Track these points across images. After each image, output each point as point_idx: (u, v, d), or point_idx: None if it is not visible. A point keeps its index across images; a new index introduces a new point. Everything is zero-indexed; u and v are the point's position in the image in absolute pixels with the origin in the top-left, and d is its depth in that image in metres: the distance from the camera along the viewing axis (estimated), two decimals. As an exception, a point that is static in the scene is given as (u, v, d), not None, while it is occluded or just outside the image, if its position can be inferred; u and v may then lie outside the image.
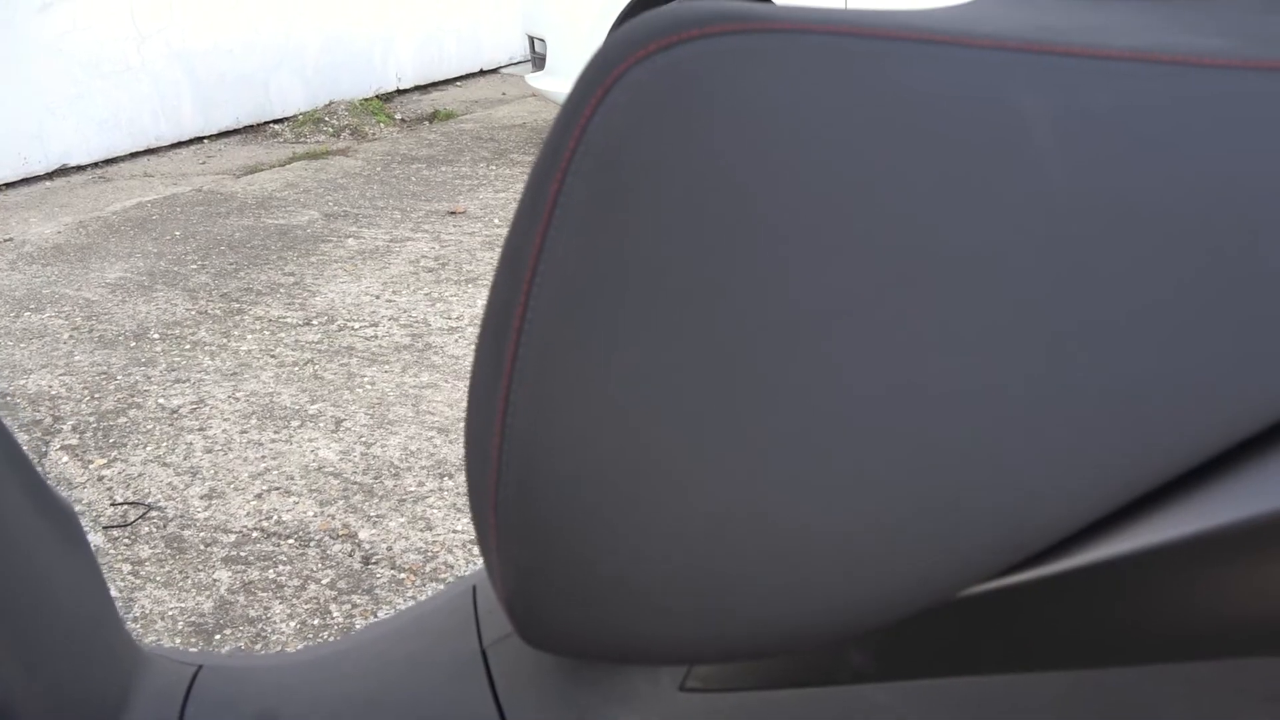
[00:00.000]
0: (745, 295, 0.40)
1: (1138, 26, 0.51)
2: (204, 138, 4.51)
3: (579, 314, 0.42)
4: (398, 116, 4.83)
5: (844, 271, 0.39)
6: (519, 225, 0.44)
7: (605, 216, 0.41)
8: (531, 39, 3.82)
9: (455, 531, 1.65)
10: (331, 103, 4.86)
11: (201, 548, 1.62)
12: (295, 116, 4.74)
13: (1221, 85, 0.43)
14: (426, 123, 4.77)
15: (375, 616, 1.45)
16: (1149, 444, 0.41)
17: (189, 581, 1.54)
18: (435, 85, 5.70)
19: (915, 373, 0.40)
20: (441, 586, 1.46)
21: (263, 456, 1.89)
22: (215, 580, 1.55)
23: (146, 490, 1.79)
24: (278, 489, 1.79)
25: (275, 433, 1.98)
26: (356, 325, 2.47)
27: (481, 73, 6.04)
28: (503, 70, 6.13)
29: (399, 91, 5.45)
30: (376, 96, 5.22)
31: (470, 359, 2.29)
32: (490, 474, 0.44)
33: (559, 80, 3.70)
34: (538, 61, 3.82)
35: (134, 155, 4.24)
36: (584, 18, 3.56)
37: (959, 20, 0.48)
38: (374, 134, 4.54)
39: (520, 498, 0.44)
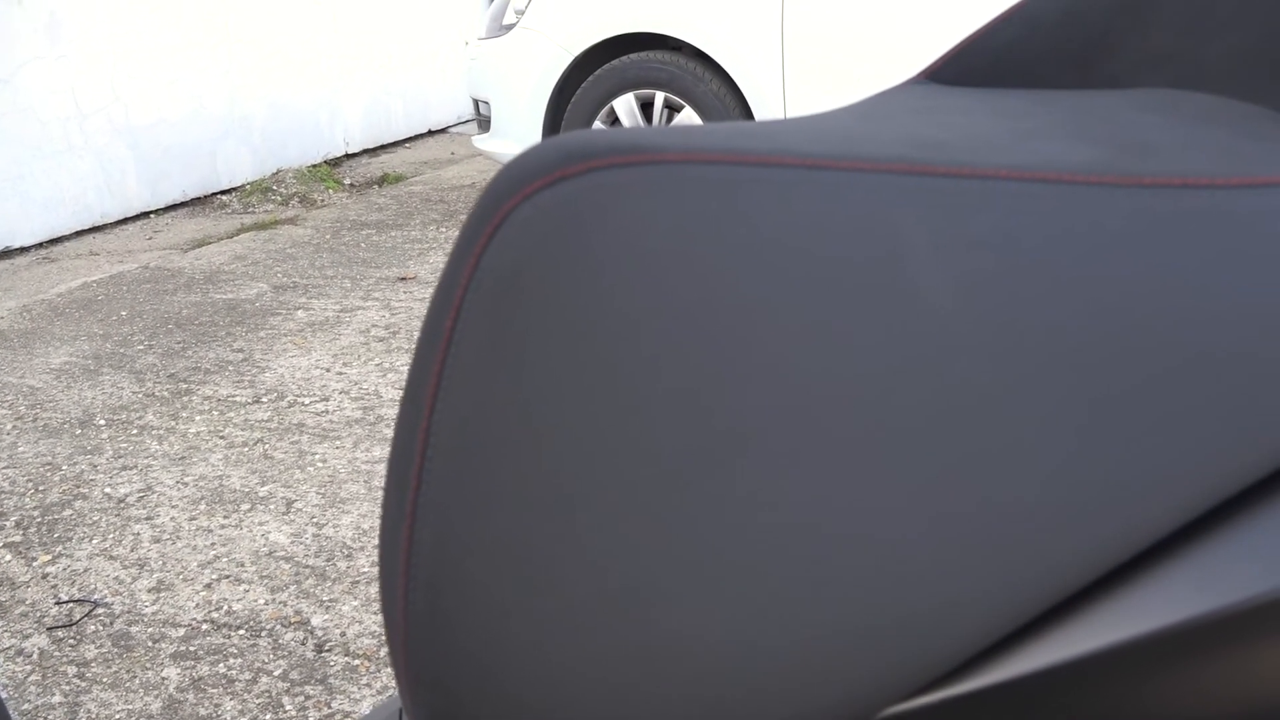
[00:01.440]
0: (641, 422, 0.40)
1: (1025, 131, 0.52)
2: (150, 212, 4.49)
3: (477, 451, 0.42)
4: (347, 181, 4.84)
5: (737, 397, 0.40)
6: (419, 358, 0.44)
7: (500, 351, 0.42)
8: (476, 101, 3.85)
9: (409, 613, 1.63)
10: (279, 171, 4.86)
11: (149, 644, 1.59)
12: (243, 186, 4.73)
13: (1096, 202, 0.44)
14: (376, 186, 4.78)
15: (329, 708, 1.43)
16: (1053, 555, 0.42)
17: (136, 681, 1.51)
18: (384, 147, 5.71)
19: (814, 492, 0.40)
20: (380, 699, 1.44)
21: (212, 544, 1.87)
22: (164, 679, 1.51)
23: (92, 586, 1.76)
24: (228, 577, 1.76)
25: (225, 518, 1.95)
26: (307, 400, 2.46)
27: (430, 133, 6.07)
28: (451, 130, 6.16)
29: (348, 156, 5.45)
30: (325, 162, 5.23)
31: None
32: (399, 610, 0.44)
33: (505, 142, 3.72)
34: (483, 123, 3.85)
35: (79, 234, 4.20)
36: (525, 81, 3.60)
37: (845, 134, 0.49)
38: (323, 200, 4.53)
39: (429, 633, 0.44)
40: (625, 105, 3.52)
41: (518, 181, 0.43)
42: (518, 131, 3.67)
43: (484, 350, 0.42)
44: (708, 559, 0.40)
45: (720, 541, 0.40)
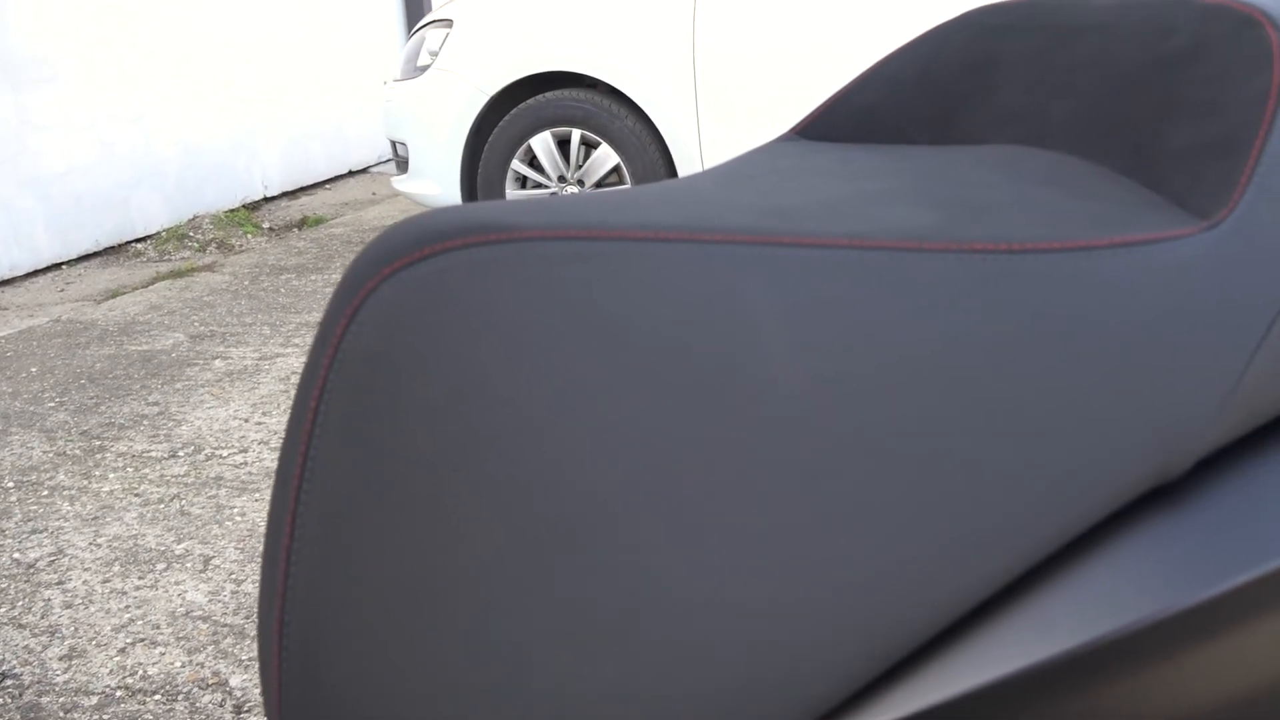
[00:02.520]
0: (501, 495, 0.41)
1: (873, 194, 0.55)
2: (62, 263, 4.39)
3: (343, 528, 0.43)
4: (266, 225, 4.78)
5: (596, 469, 0.41)
6: (287, 439, 0.45)
7: (362, 431, 0.42)
8: (394, 143, 3.84)
9: (330, 668, 1.61)
10: (196, 216, 4.79)
11: (60, 715, 1.55)
12: (159, 234, 4.65)
13: (929, 268, 0.46)
14: (296, 230, 4.73)
15: (247, 771, 1.40)
16: (903, 609, 0.44)
17: (47, 755, 1.47)
18: (304, 189, 5.66)
19: (672, 559, 0.41)
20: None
21: (126, 606, 1.82)
22: (76, 750, 1.47)
23: (0, 658, 1.71)
24: (143, 640, 1.72)
25: (140, 579, 1.91)
26: (225, 453, 2.42)
27: (351, 173, 6.03)
28: (373, 170, 6.13)
29: (266, 199, 5.39)
30: (243, 206, 5.16)
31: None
32: (274, 677, 0.44)
33: (423, 183, 3.72)
34: (401, 164, 3.84)
35: (-13, 287, 4.09)
36: (442, 122, 3.60)
37: (701, 203, 0.51)
38: (241, 246, 4.48)
39: (302, 706, 0.44)
40: (542, 143, 3.54)
41: (376, 263, 0.44)
42: (436, 172, 3.67)
43: (347, 431, 0.42)
44: (570, 625, 0.41)
45: (581, 608, 0.41)
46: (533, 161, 3.60)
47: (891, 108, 0.73)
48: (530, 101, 3.52)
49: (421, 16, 6.14)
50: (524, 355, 0.42)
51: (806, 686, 0.43)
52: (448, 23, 3.63)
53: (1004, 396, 0.44)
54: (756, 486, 0.42)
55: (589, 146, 3.53)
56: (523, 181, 3.63)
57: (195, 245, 4.47)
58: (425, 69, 3.66)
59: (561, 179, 3.58)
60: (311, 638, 0.43)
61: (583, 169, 3.55)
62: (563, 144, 3.57)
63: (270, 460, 2.35)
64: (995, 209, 0.51)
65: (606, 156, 3.50)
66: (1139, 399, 0.44)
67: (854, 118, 0.76)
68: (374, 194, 5.44)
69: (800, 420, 0.43)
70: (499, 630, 0.41)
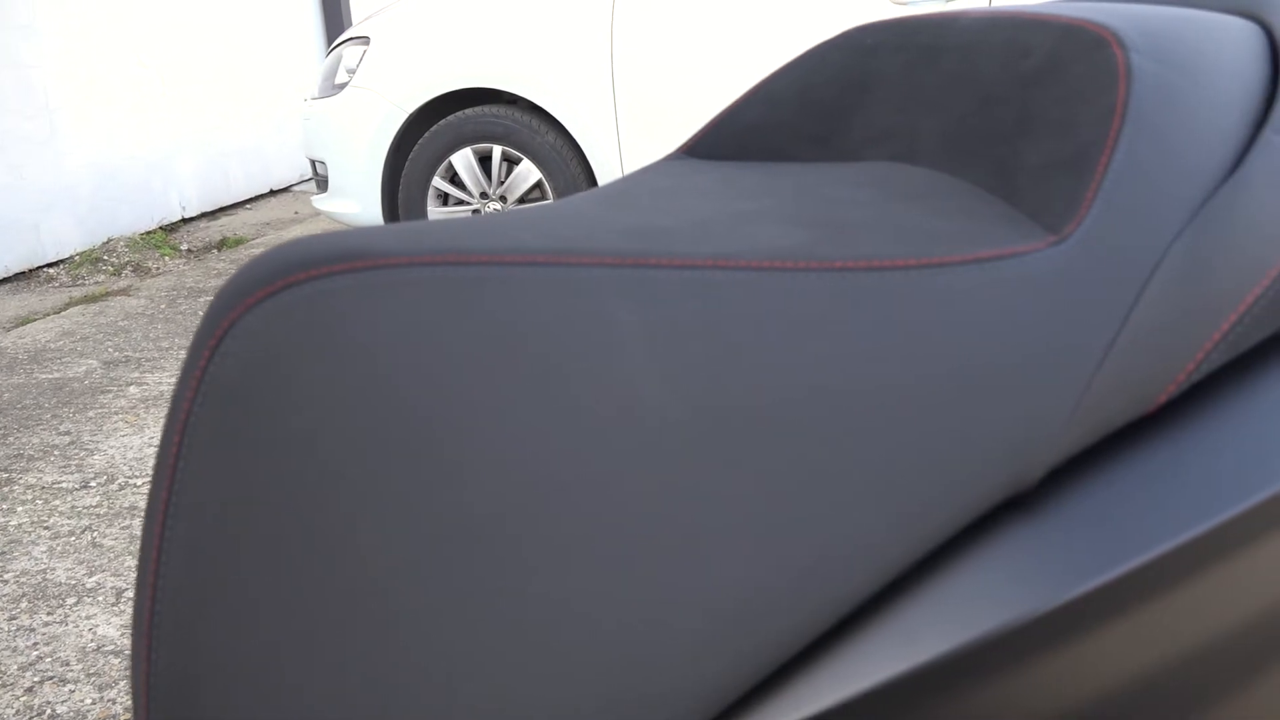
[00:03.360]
0: (369, 522, 0.41)
1: (748, 213, 0.55)
2: (-31, 290, 4.25)
3: (208, 558, 0.42)
4: (184, 247, 4.69)
5: (465, 494, 0.41)
6: (155, 473, 0.44)
7: (226, 464, 0.42)
8: (313, 161, 3.80)
9: (247, 699, 1.57)
10: (110, 240, 4.68)
11: (-37, 760, 1.50)
12: (71, 258, 4.53)
13: (793, 288, 0.47)
14: (215, 251, 4.64)
15: (160, 809, 1.37)
16: (776, 622, 0.44)
17: (-52, 802, 1.42)
18: (224, 210, 5.56)
19: (544, 582, 0.41)
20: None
21: (34, 644, 1.77)
22: (-21, 795, 1.43)
23: (-101, 702, 1.64)
24: (51, 678, 1.67)
25: (49, 615, 1.85)
26: (139, 482, 2.36)
27: (272, 192, 5.94)
28: (295, 188, 6.05)
29: (184, 220, 5.29)
30: (160, 228, 5.06)
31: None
32: (142, 714, 0.44)
33: (343, 202, 3.68)
34: (321, 183, 3.79)
35: (-111, 317, 3.95)
36: (361, 140, 3.57)
37: (575, 225, 0.51)
38: (158, 268, 4.38)
39: None
40: (463, 160, 3.53)
41: (238, 294, 0.43)
42: (356, 190, 3.63)
43: (211, 464, 0.42)
44: (441, 650, 0.41)
45: (451, 633, 0.41)
46: (454, 178, 3.58)
47: (774, 126, 0.75)
48: (450, 118, 3.51)
49: (341, 31, 6.08)
50: (387, 383, 0.42)
51: (673, 705, 0.43)
52: (364, 40, 3.60)
53: (863, 413, 0.45)
54: (624, 507, 0.42)
55: (511, 163, 3.53)
56: (445, 199, 3.61)
57: (110, 269, 4.37)
58: (343, 87, 3.62)
59: (484, 195, 3.57)
60: (178, 672, 0.42)
61: (505, 185, 3.54)
62: (484, 160, 3.56)
63: (186, 488, 2.30)
64: (860, 227, 0.52)
65: (529, 172, 3.50)
66: (991, 412, 0.45)
67: (738, 136, 0.77)
68: (296, 213, 5.37)
69: (666, 441, 0.43)
70: (368, 656, 0.41)
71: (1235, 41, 0.57)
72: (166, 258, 4.50)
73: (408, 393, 0.42)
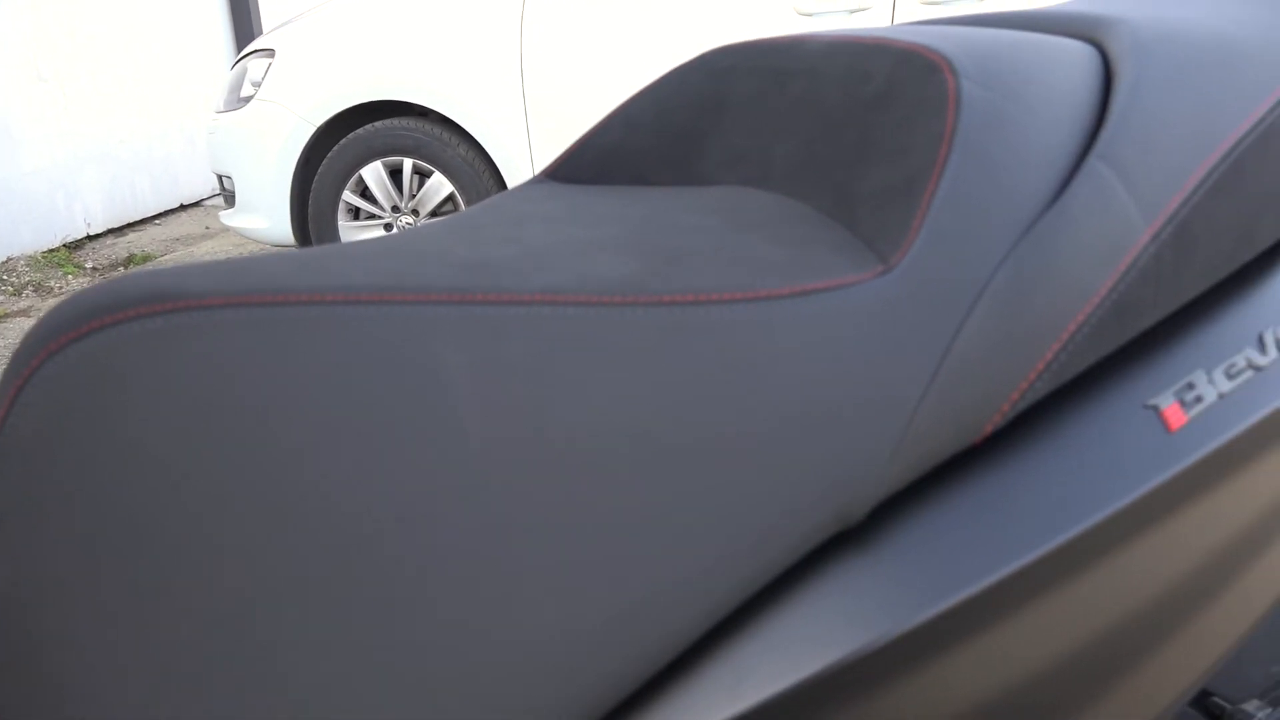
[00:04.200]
0: (182, 573, 0.39)
1: (588, 243, 0.54)
2: None
3: (17, 617, 0.40)
4: (88, 265, 4.56)
5: (283, 541, 0.39)
6: None
7: (32, 517, 0.40)
8: (220, 176, 3.71)
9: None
10: (9, 259, 4.53)
11: None
12: (-32, 278, 4.38)
13: (618, 323, 0.46)
14: (121, 268, 4.52)
15: None
16: (608, 662, 0.43)
17: None
18: (132, 226, 5.42)
19: (362, 631, 0.40)
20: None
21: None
22: None
23: None
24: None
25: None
26: None
27: (183, 207, 5.81)
28: (206, 203, 5.92)
29: (90, 237, 5.14)
30: (64, 246, 4.90)
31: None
32: None
33: (251, 217, 3.60)
34: (228, 198, 3.71)
35: None
36: (267, 154, 3.50)
37: (407, 260, 0.50)
38: (61, 288, 4.25)
39: None
40: (374, 173, 3.48)
41: (41, 340, 0.41)
42: (264, 205, 3.56)
43: (16, 515, 0.40)
44: (247, 709, 0.39)
45: (269, 687, 0.39)
46: (365, 192, 3.53)
47: (633, 149, 0.74)
48: (359, 131, 3.46)
49: (252, 41, 5.98)
50: (200, 429, 0.40)
51: None
52: (269, 52, 3.54)
53: (685, 451, 0.44)
54: (447, 549, 0.41)
55: (423, 175, 3.49)
56: (355, 213, 3.56)
57: (9, 289, 4.23)
58: (248, 100, 3.55)
59: (396, 209, 3.53)
60: None
61: (417, 198, 3.50)
62: (395, 173, 3.51)
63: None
64: (695, 257, 0.52)
65: (440, 185, 3.46)
66: (815, 447, 0.45)
67: (599, 159, 0.76)
68: (207, 228, 5.25)
69: (490, 481, 0.42)
70: (182, 712, 0.39)
71: (1070, 66, 0.58)
72: (70, 276, 4.37)
73: (222, 439, 0.40)
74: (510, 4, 3.30)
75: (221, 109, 3.66)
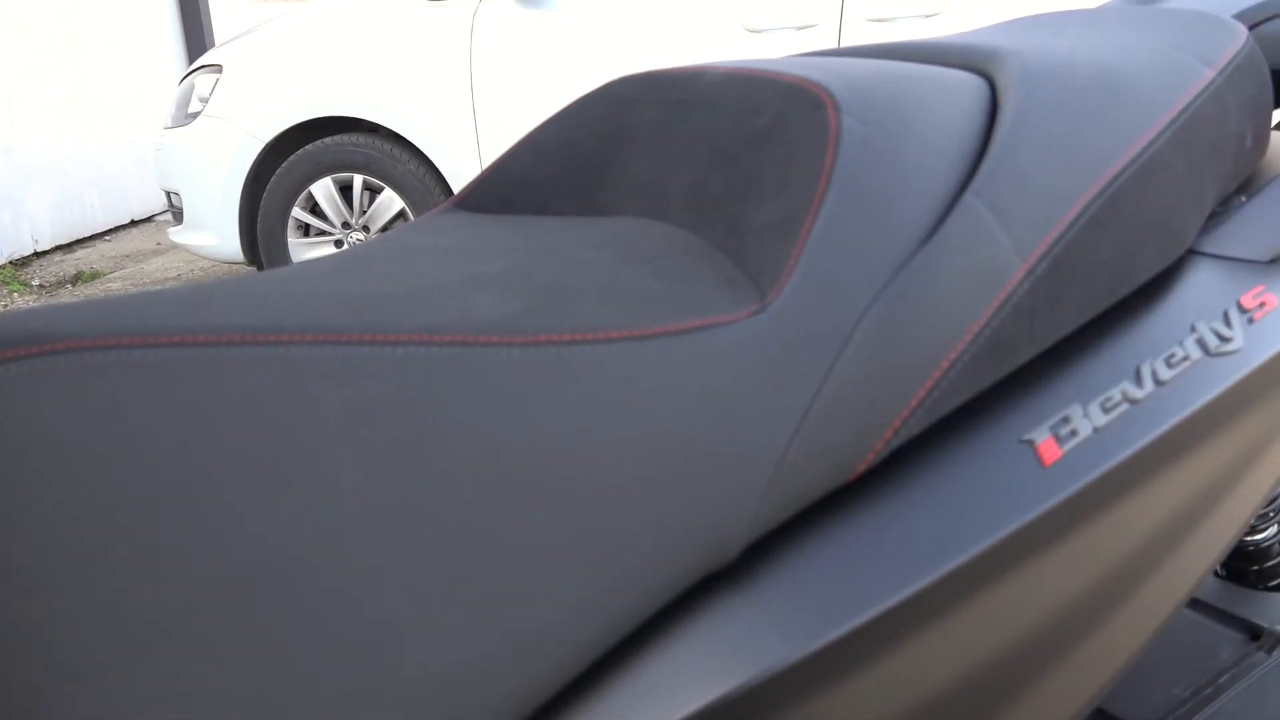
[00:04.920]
0: (51, 620, 0.38)
1: (473, 280, 0.54)
2: None
3: None
4: (35, 283, 4.49)
5: (149, 587, 0.39)
6: None
7: None
8: (168, 193, 3.67)
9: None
10: (-47, 277, 4.46)
11: None
12: (-91, 297, 4.30)
13: (493, 363, 0.45)
14: (69, 286, 4.45)
15: None
16: (463, 714, 0.42)
17: None
18: (80, 242, 5.34)
19: (229, 676, 0.39)
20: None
21: None
22: None
23: None
24: None
25: None
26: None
27: (133, 223, 5.74)
28: (158, 219, 5.85)
29: (37, 254, 5.06)
30: (10, 263, 4.83)
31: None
32: None
33: (199, 234, 3.57)
34: (177, 215, 3.67)
35: None
36: (215, 171, 3.47)
37: (287, 298, 0.49)
38: (6, 305, 4.18)
39: None
40: (323, 190, 3.46)
41: None
42: (212, 222, 3.53)
43: None
44: None
45: None
46: (315, 208, 3.51)
47: (539, 179, 0.74)
48: (309, 147, 3.43)
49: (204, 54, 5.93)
50: (70, 474, 0.39)
51: None
52: (217, 68, 3.51)
53: (557, 491, 0.44)
54: (316, 592, 0.41)
55: (373, 192, 3.47)
56: (306, 229, 3.53)
57: (-48, 308, 4.16)
58: (196, 115, 3.51)
59: (346, 225, 3.50)
60: None
61: (367, 215, 3.48)
62: (346, 189, 3.49)
63: None
64: (581, 294, 0.52)
65: (391, 201, 3.44)
66: (687, 488, 0.45)
67: (506, 188, 0.76)
68: (158, 244, 5.19)
69: (361, 524, 0.42)
70: None
71: (957, 99, 0.58)
72: (16, 294, 4.30)
73: (92, 483, 0.39)
74: (460, 20, 3.30)
75: (169, 125, 3.62)
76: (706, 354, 0.46)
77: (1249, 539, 0.80)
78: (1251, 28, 0.79)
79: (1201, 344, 0.55)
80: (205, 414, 0.41)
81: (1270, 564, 0.81)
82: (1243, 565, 0.82)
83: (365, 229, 3.48)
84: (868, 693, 0.47)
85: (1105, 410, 0.52)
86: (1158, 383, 0.53)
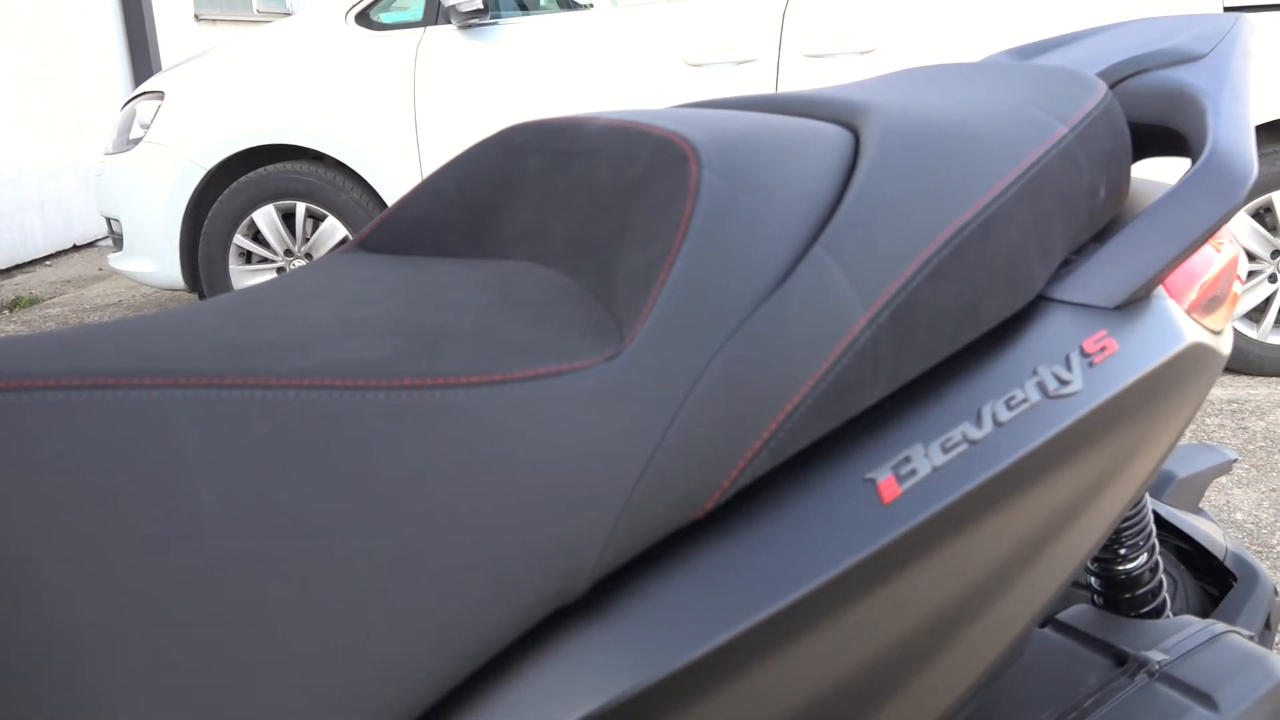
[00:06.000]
0: None
1: (352, 323, 0.56)
2: None
3: None
4: (-29, 308, 4.42)
5: (29, 623, 0.40)
6: None
7: None
8: (108, 219, 3.65)
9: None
10: (-114, 302, 4.37)
11: None
12: None
13: (360, 406, 0.47)
14: (6, 312, 4.39)
15: None
16: None
17: None
18: (20, 267, 5.27)
19: (113, 711, 0.40)
20: None
21: None
22: None
23: None
24: None
25: None
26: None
27: (76, 248, 5.67)
28: (100, 243, 5.79)
29: (-25, 279, 4.99)
30: (-54, 288, 4.75)
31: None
32: None
33: (140, 261, 3.54)
34: (117, 241, 3.64)
35: None
36: (156, 197, 3.45)
37: (168, 340, 0.51)
38: (-60, 332, 4.11)
39: None
40: (266, 217, 3.45)
41: None
42: (153, 249, 3.50)
43: None
44: None
45: None
46: (257, 236, 3.50)
47: (436, 221, 0.76)
48: (251, 175, 3.43)
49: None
50: None
51: None
52: (159, 95, 3.49)
53: (413, 530, 0.46)
54: (175, 630, 0.42)
55: (316, 219, 3.47)
56: (248, 257, 3.52)
57: (-116, 334, 4.08)
58: (137, 142, 3.50)
59: (289, 253, 3.50)
60: None
61: (310, 242, 3.48)
62: (288, 217, 3.49)
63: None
64: (453, 339, 0.54)
65: (334, 229, 3.44)
66: (535, 527, 0.47)
67: (406, 230, 0.78)
68: (100, 270, 5.13)
69: (222, 566, 0.43)
70: None
71: (821, 152, 0.61)
72: (-50, 320, 4.23)
73: None
74: (404, 50, 3.32)
75: (110, 151, 3.60)
76: (561, 398, 0.49)
77: (1120, 568, 0.84)
78: (1118, 82, 0.83)
79: (1041, 387, 0.59)
80: (72, 457, 0.42)
81: (1140, 592, 0.85)
82: (1115, 593, 0.86)
83: (308, 256, 3.48)
84: (714, 719, 0.49)
85: (945, 450, 0.55)
86: (997, 424, 0.57)
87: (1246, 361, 2.99)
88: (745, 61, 3.13)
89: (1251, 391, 2.89)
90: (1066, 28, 2.94)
